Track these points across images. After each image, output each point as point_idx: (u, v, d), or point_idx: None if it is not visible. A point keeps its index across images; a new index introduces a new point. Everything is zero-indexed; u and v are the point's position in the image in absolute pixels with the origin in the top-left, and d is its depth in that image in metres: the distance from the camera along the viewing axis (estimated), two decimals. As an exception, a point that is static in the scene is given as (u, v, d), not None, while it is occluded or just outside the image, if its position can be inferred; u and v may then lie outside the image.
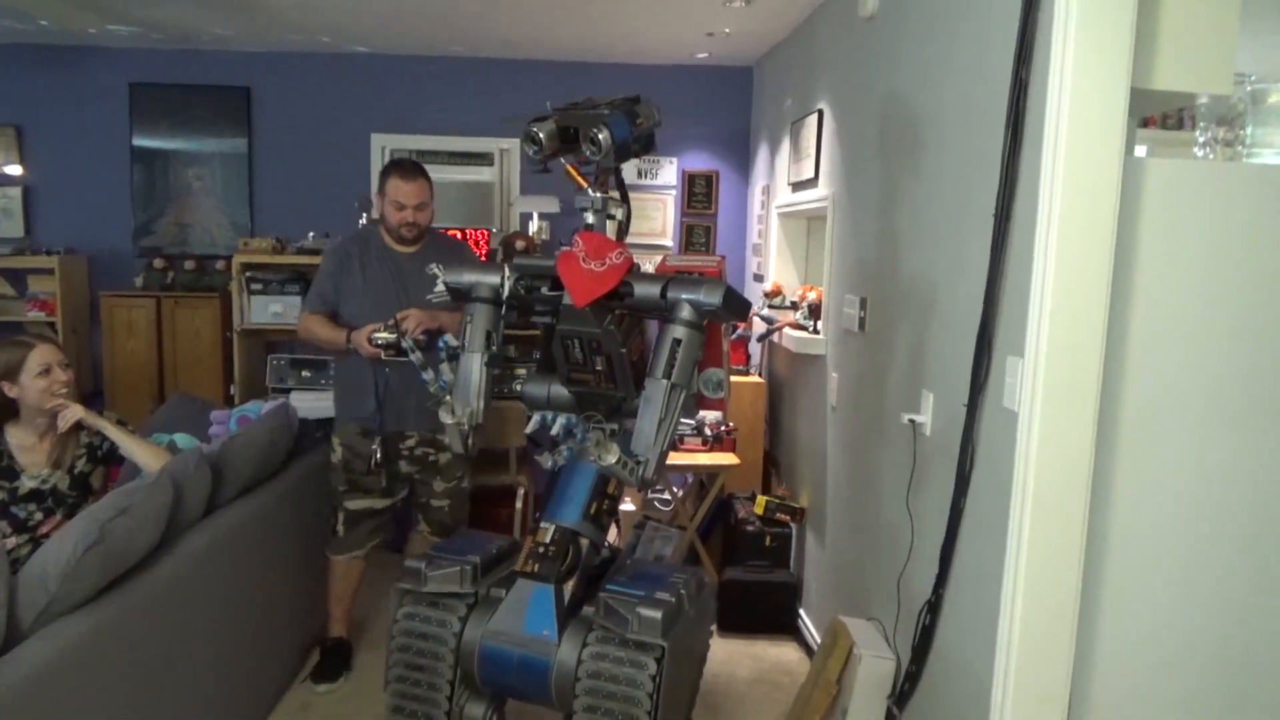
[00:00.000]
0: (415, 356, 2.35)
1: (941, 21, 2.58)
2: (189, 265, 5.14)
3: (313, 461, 3.37)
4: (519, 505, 4.41)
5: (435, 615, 2.39)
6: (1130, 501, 2.07)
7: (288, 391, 4.38)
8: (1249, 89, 2.29)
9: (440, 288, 3.18)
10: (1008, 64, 2.08)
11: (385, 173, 3.21)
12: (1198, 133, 2.40)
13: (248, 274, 4.74)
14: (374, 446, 3.19)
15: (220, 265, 5.15)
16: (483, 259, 4.84)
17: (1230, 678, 2.12)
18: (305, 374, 4.54)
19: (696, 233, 5.47)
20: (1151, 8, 1.94)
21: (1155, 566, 2.09)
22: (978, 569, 2.24)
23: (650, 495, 4.53)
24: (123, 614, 2.09)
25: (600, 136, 2.22)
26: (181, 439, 3.04)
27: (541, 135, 2.28)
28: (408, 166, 3.21)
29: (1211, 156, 2.35)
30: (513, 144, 5.31)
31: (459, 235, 4.92)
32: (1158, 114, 4.75)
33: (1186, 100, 2.23)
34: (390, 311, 3.06)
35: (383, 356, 3.02)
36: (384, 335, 3.00)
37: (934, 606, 2.44)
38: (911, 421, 2.61)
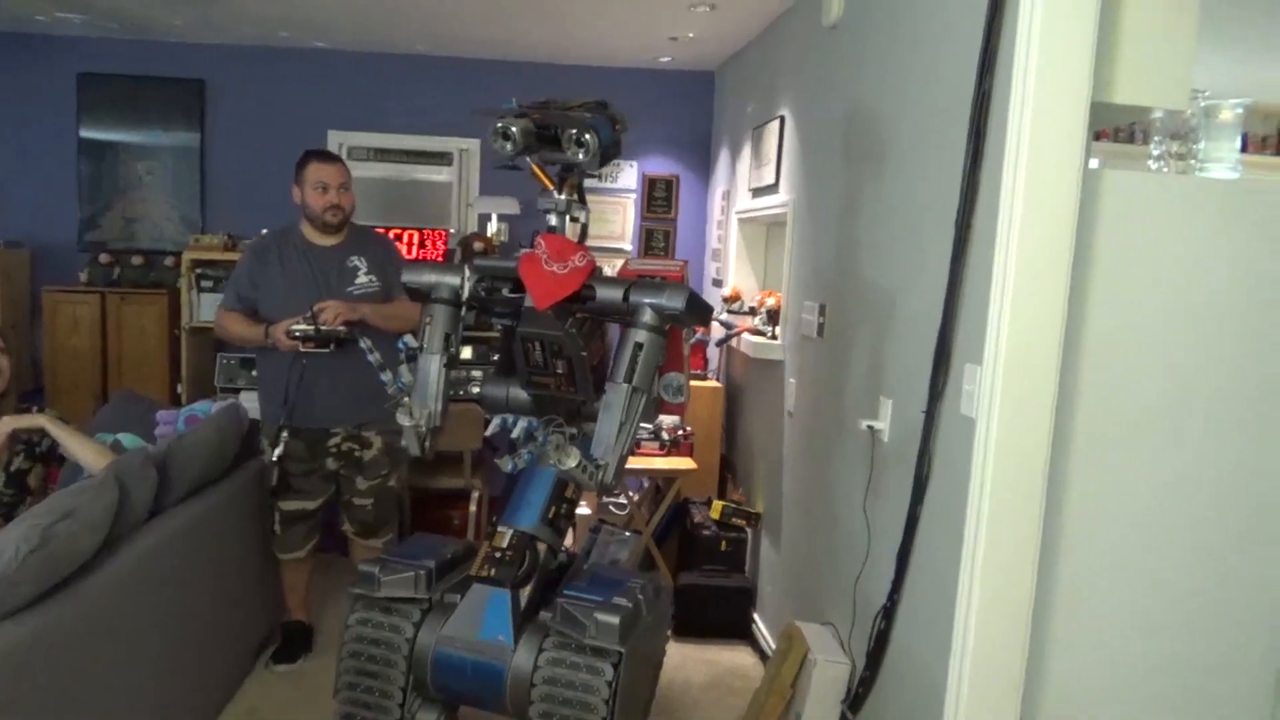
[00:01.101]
0: (373, 358, 2.30)
1: (905, 32, 2.60)
2: (136, 261, 5.02)
3: (263, 462, 3.30)
4: (473, 508, 4.36)
5: (388, 621, 2.34)
6: (1084, 508, 2.10)
7: (237, 391, 4.30)
8: (1202, 105, 2.33)
9: (362, 279, 3.16)
10: (970, 75, 2.10)
11: (302, 162, 3.21)
12: (1152, 146, 2.44)
13: (198, 271, 4.64)
14: (278, 442, 3.15)
15: (169, 261, 5.03)
16: (440, 259, 4.80)
17: (1178, 681, 2.16)
18: (255, 373, 4.45)
19: (656, 236, 5.47)
20: (1112, 24, 1.97)
21: (1107, 572, 2.12)
22: (934, 574, 2.25)
23: (606, 499, 4.50)
24: (65, 618, 2.02)
25: (588, 138, 2.20)
26: (127, 439, 2.96)
27: (516, 131, 2.25)
28: (325, 152, 3.30)
29: (1165, 170, 2.39)
30: (472, 144, 5.27)
31: (413, 236, 4.86)
32: (1110, 127, 4.86)
33: (1143, 115, 2.27)
34: (309, 306, 3.03)
35: (301, 349, 3.00)
36: (302, 327, 2.99)
37: (889, 611, 2.45)
38: (869, 428, 2.62)
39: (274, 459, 3.17)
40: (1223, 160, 2.27)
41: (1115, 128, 4.70)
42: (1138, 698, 2.16)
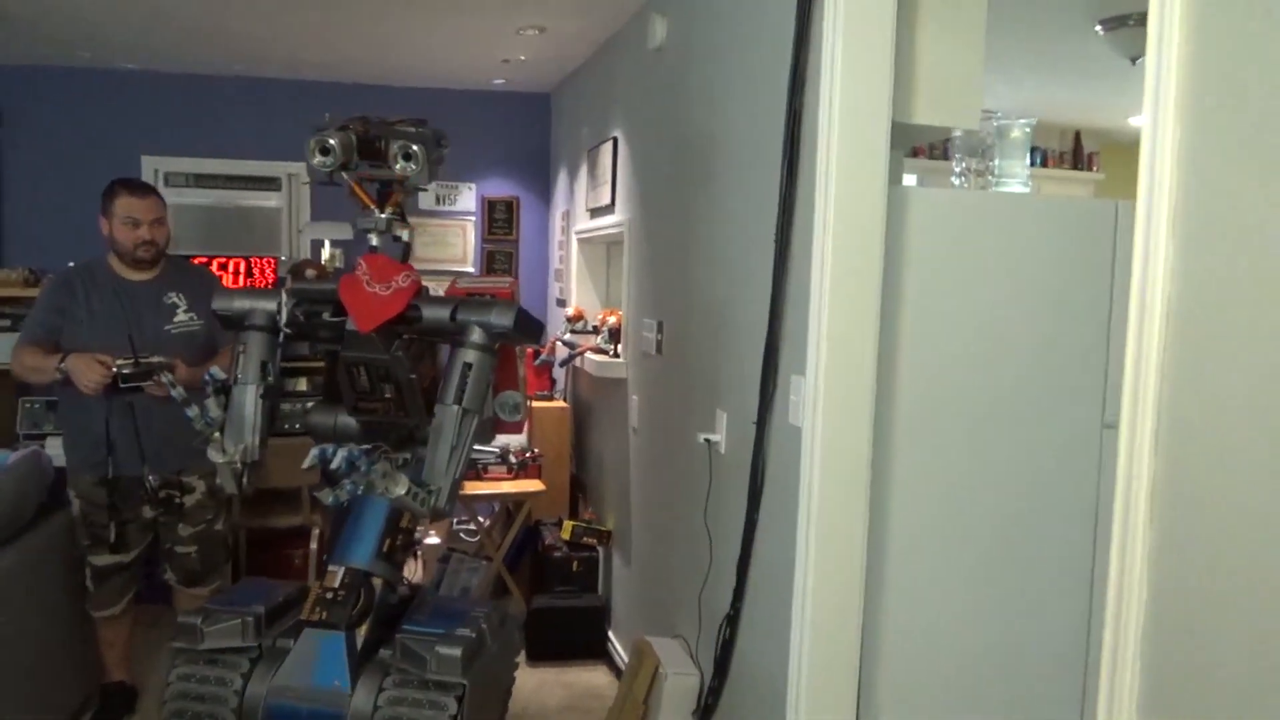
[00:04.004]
0: (176, 392, 2.16)
1: (723, 54, 2.68)
2: (-78, 298, 4.56)
3: (69, 515, 3.04)
4: (313, 546, 4.17)
5: (214, 674, 2.19)
6: (905, 507, 2.19)
7: (42, 438, 3.95)
8: (995, 124, 2.50)
9: (181, 317, 2.97)
10: (784, 96, 2.18)
11: (110, 193, 2.95)
12: (954, 163, 2.61)
13: (-6, 308, 4.26)
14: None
15: (-40, 298, 4.60)
16: (270, 287, 4.59)
17: (999, 664, 2.28)
18: (59, 418, 4.11)
19: (498, 259, 5.43)
20: (908, 50, 2.09)
21: (929, 567, 2.23)
22: (772, 580, 2.30)
23: (456, 526, 4.41)
24: None
25: (415, 149, 2.16)
26: (-93, 495, 2.68)
27: (335, 144, 2.17)
28: (136, 183, 3.08)
29: (967, 185, 2.55)
30: (302, 168, 5.07)
31: (239, 264, 4.64)
32: (926, 145, 5.17)
33: (943, 134, 2.42)
34: (120, 343, 2.79)
35: (120, 385, 2.75)
36: (122, 360, 2.74)
37: (733, 620, 2.49)
38: (707, 440, 2.66)
39: (78, 513, 2.92)
40: (1016, 176, 2.45)
41: (931, 145, 5.01)
42: (963, 682, 2.27)
